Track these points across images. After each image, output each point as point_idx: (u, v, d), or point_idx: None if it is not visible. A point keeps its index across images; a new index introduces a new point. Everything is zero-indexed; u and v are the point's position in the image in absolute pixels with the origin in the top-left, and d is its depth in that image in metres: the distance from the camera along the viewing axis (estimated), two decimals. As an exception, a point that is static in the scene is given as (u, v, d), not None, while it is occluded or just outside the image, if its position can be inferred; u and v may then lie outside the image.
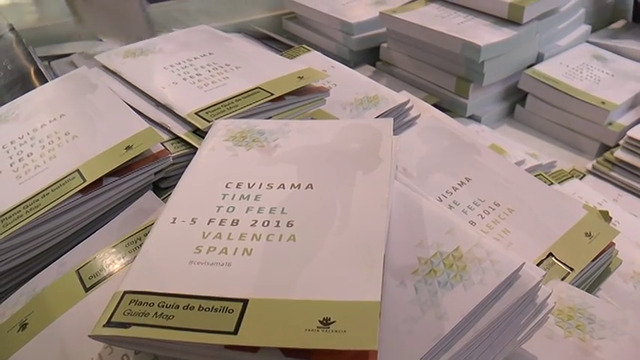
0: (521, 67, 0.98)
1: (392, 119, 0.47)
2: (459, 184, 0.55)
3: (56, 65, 0.84)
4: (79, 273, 0.44)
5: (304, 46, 0.79)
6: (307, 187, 0.42)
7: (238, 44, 0.68)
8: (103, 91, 0.58)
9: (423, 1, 1.04)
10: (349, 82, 0.69)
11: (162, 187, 0.52)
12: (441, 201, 0.53)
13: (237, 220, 0.40)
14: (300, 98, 0.56)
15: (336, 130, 0.48)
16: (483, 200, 0.54)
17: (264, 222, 0.39)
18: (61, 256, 0.46)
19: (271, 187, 0.43)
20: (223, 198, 0.42)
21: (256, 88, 0.56)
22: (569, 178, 0.79)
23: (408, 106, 0.64)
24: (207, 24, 1.14)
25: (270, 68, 0.60)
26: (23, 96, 0.61)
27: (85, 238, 0.47)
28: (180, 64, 0.63)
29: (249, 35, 1.15)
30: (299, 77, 0.58)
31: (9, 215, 0.46)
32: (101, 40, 1.04)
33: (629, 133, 0.85)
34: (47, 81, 0.68)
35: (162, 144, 0.51)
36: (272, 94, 0.55)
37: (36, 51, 0.89)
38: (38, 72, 0.71)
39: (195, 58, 0.64)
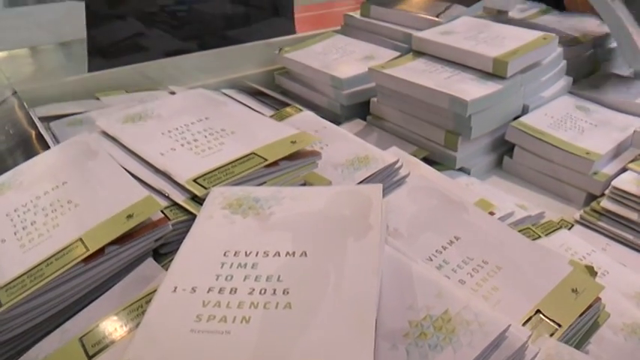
0: (508, 119, 1.01)
1: (381, 185, 0.49)
2: (448, 243, 0.57)
3: (55, 127, 0.86)
4: (81, 341, 0.45)
5: (297, 105, 0.82)
6: (301, 254, 0.44)
7: (233, 108, 0.71)
8: (103, 158, 0.60)
9: (410, 56, 1.08)
10: (340, 143, 0.72)
11: (162, 252, 0.54)
12: (431, 260, 0.55)
13: (236, 289, 0.41)
14: (293, 163, 0.59)
15: (327, 197, 0.50)
16: (472, 258, 0.56)
17: (261, 290, 0.41)
18: (62, 323, 0.48)
19: (267, 255, 0.44)
20: (222, 266, 0.44)
21: (251, 153, 0.59)
22: (558, 228, 0.81)
23: (397, 166, 0.67)
24: (202, 80, 1.19)
25: (264, 133, 0.62)
26: (26, 163, 0.63)
27: (87, 305, 0.49)
28: (177, 129, 0.65)
29: (242, 91, 1.18)
30: (292, 142, 0.60)
31: (13, 285, 0.47)
32: (98, 99, 1.07)
33: (614, 183, 0.87)
34: (48, 146, 0.71)
35: (161, 211, 0.53)
36: (266, 160, 0.57)
37: (36, 111, 0.91)
38: (39, 136, 0.73)
39: (192, 123, 0.66)
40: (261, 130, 0.63)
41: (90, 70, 1.38)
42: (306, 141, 0.60)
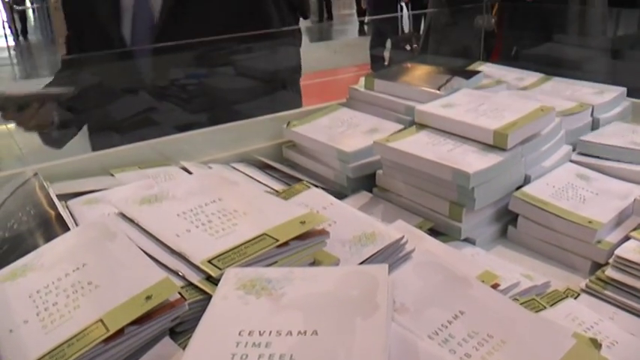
0: (510, 190, 1.04)
1: (386, 265, 0.52)
2: (453, 318, 0.59)
3: (72, 205, 0.89)
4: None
5: (305, 182, 0.85)
6: (312, 333, 0.46)
7: (245, 188, 0.74)
8: (121, 239, 0.63)
9: (414, 129, 1.11)
10: (347, 220, 0.75)
11: (178, 331, 0.56)
12: (437, 334, 0.57)
13: (251, 368, 0.43)
14: (303, 242, 0.62)
15: (336, 278, 0.52)
16: (477, 332, 0.57)
17: (275, 369, 0.43)
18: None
19: (280, 334, 0.47)
20: (237, 346, 0.46)
21: (263, 234, 0.61)
22: (564, 298, 0.82)
23: (403, 242, 0.69)
24: (212, 154, 1.23)
25: (275, 213, 0.65)
26: (47, 244, 0.66)
27: (105, 385, 0.51)
28: (192, 210, 0.68)
29: (251, 164, 1.22)
30: (301, 222, 0.63)
31: (37, 366, 0.49)
32: (113, 176, 1.11)
33: (617, 252, 0.89)
34: (67, 226, 0.74)
35: (178, 292, 0.55)
36: (277, 240, 0.60)
37: (53, 189, 0.95)
38: (59, 217, 0.76)
39: (206, 205, 0.69)
40: (272, 211, 0.66)
41: (96, 144, 1.44)
42: (315, 221, 0.63)
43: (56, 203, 0.80)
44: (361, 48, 5.47)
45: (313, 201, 0.74)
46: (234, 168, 1.18)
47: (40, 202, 0.80)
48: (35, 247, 0.68)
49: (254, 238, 0.61)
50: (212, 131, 1.29)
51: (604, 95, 1.29)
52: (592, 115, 1.25)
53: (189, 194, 0.72)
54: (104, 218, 0.68)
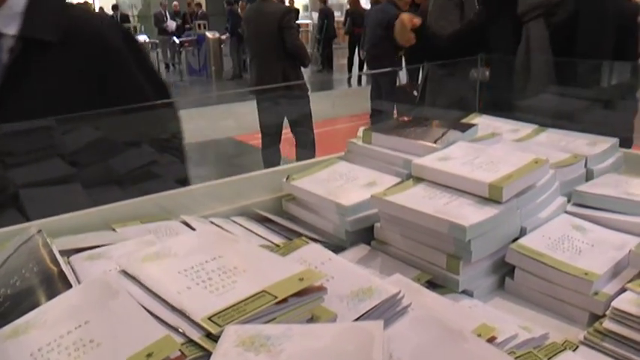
0: (507, 242, 1.05)
1: (382, 322, 0.53)
2: (450, 373, 0.59)
3: (75, 261, 0.90)
4: None
5: (304, 238, 0.87)
6: (310, 389, 0.47)
7: (244, 245, 0.75)
8: (123, 297, 0.64)
9: (411, 182, 1.13)
10: (345, 275, 0.76)
11: (178, 388, 0.57)
12: (436, 390, 0.58)
13: None
14: (301, 299, 0.63)
15: (333, 334, 0.53)
16: (474, 388, 0.58)
17: None
18: None
19: (278, 392, 0.47)
20: (236, 404, 0.47)
21: (262, 291, 0.63)
22: (563, 350, 0.82)
23: (399, 297, 0.70)
24: (213, 209, 1.25)
25: (274, 270, 0.67)
26: (50, 302, 0.67)
27: None
28: (193, 267, 0.70)
29: (251, 218, 1.23)
30: (300, 279, 0.64)
31: None
32: (115, 230, 1.12)
33: (614, 304, 0.89)
34: (69, 283, 0.75)
35: (178, 349, 0.56)
36: (276, 297, 0.61)
37: (55, 244, 0.96)
38: (61, 274, 0.77)
39: (206, 262, 0.71)
40: (271, 268, 0.68)
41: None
42: (313, 278, 0.65)
43: (59, 260, 0.81)
44: (360, 98, 5.55)
45: (312, 256, 0.76)
46: (235, 222, 1.20)
47: (43, 259, 0.82)
48: (38, 304, 0.69)
49: (253, 295, 0.62)
50: (212, 186, 1.31)
51: (597, 146, 1.32)
52: (586, 166, 1.27)
53: (190, 252, 0.74)
54: (106, 275, 0.70)
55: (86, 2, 13.97)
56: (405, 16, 1.96)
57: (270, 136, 4.83)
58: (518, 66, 1.89)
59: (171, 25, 13.84)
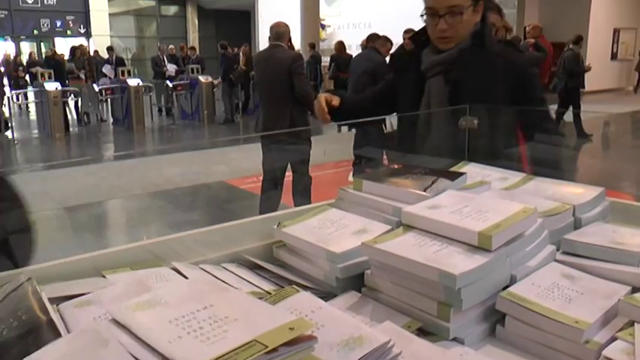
0: (497, 289, 1.05)
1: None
2: None
3: (64, 309, 0.90)
4: None
5: (294, 286, 0.87)
6: None
7: (235, 294, 0.76)
8: (114, 346, 0.64)
9: (401, 230, 1.14)
10: (335, 323, 0.76)
11: None
12: None
13: None
14: (291, 348, 0.63)
15: (325, 385, 0.53)
16: None
17: None
18: None
19: None
20: None
21: (253, 341, 0.63)
22: (553, 399, 0.82)
23: (389, 345, 0.70)
24: (204, 255, 1.25)
25: (265, 319, 0.67)
26: (38, 351, 0.67)
27: None
28: (184, 317, 0.70)
29: (242, 264, 1.24)
30: (290, 328, 0.64)
31: None
32: (105, 277, 1.12)
33: (605, 353, 0.90)
34: (58, 331, 0.75)
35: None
36: (267, 347, 0.61)
37: (45, 291, 0.95)
38: (50, 322, 0.77)
39: (197, 311, 0.71)
40: (261, 317, 0.68)
41: None
42: (304, 327, 0.65)
43: (48, 308, 0.81)
44: (350, 143, 5.61)
45: (302, 305, 0.76)
46: (225, 268, 1.20)
47: (32, 308, 0.81)
48: (26, 353, 0.69)
49: (244, 345, 0.62)
50: (203, 232, 1.31)
51: (584, 195, 1.34)
52: (574, 214, 1.28)
53: (181, 300, 0.74)
54: (97, 324, 0.69)
55: (81, 45, 14.16)
56: (322, 97, 2.11)
57: (272, 180, 4.87)
58: (422, 118, 2.11)
59: (171, 68, 13.97)
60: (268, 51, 5.13)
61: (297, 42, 14.24)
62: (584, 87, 10.37)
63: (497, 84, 2.00)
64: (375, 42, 7.54)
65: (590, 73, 10.41)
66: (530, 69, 2.34)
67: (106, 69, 13.32)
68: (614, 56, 19.21)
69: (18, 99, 13.22)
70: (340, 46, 12.26)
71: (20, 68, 16.36)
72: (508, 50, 2.30)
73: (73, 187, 5.84)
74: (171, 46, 15.34)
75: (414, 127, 2.14)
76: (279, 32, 5.03)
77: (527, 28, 9.39)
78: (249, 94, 13.85)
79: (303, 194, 4.64)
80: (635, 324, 0.97)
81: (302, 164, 4.83)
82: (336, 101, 2.10)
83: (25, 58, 17.76)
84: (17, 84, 15.71)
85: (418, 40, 2.12)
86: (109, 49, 14.46)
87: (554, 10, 17.73)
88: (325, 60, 14.16)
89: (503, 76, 2.02)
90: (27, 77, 14.74)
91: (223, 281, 1.09)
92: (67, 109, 12.09)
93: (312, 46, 14.42)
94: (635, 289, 1.06)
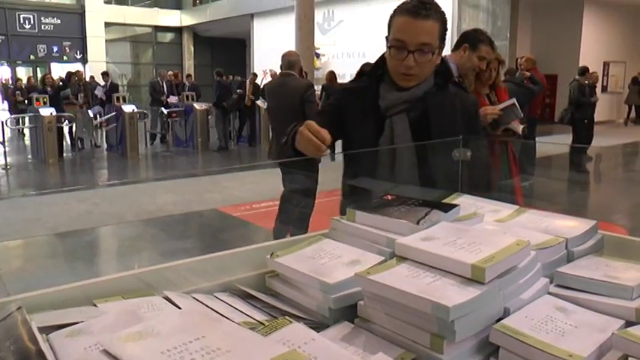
0: (490, 322, 1.05)
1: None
2: None
3: (54, 339, 0.89)
4: None
5: (287, 318, 0.87)
6: None
7: (227, 326, 0.75)
8: (103, 378, 0.63)
9: (394, 261, 1.14)
10: (328, 356, 0.76)
11: None
12: None
13: None
14: (285, 381, 0.62)
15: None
16: None
17: None
18: None
19: None
20: None
21: (245, 375, 0.62)
22: None
23: (383, 379, 0.70)
24: (196, 284, 1.25)
25: (257, 352, 0.66)
26: (27, 382, 0.66)
27: None
28: (176, 348, 0.69)
29: (234, 294, 1.23)
30: (284, 361, 0.64)
31: None
32: (96, 306, 1.11)
33: (598, 388, 0.90)
34: (48, 362, 0.74)
35: None
36: (260, 379, 0.61)
37: (35, 319, 0.94)
38: (40, 353, 0.76)
39: (189, 342, 0.70)
40: (254, 349, 0.67)
41: None
42: (297, 360, 0.64)
43: (38, 338, 0.80)
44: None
45: (295, 336, 0.75)
46: (217, 298, 1.19)
47: (22, 338, 0.80)
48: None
49: (236, 378, 0.61)
50: (196, 261, 1.30)
51: (577, 228, 1.34)
52: (567, 247, 1.28)
53: (173, 331, 0.73)
54: (87, 355, 0.69)
55: (78, 71, 14.21)
56: (307, 131, 1.86)
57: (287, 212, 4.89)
58: (383, 156, 2.09)
59: (173, 99, 13.97)
60: (280, 79, 5.27)
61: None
62: (592, 118, 10.42)
63: (457, 125, 2.02)
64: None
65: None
66: (476, 111, 2.40)
67: (99, 91, 13.41)
68: (604, 89, 19.48)
69: (14, 123, 13.23)
70: (331, 75, 12.34)
71: (18, 92, 16.37)
72: (460, 91, 2.30)
73: (65, 213, 5.82)
74: (170, 72, 15.40)
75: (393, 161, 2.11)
76: (291, 61, 5.17)
77: (519, 60, 9.48)
78: (244, 121, 13.92)
79: (303, 224, 4.63)
80: (629, 358, 0.96)
81: (309, 194, 4.83)
82: (324, 132, 1.87)
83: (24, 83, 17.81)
84: (16, 108, 15.72)
85: (375, 73, 2.09)
86: (104, 74, 14.54)
87: (545, 43, 18.03)
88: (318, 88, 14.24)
89: (460, 116, 2.07)
90: (26, 102, 14.71)
91: (215, 311, 1.09)
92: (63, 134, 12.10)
93: (305, 74, 14.52)
94: (628, 323, 1.06)
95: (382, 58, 2.06)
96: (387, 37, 1.99)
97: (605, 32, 18.81)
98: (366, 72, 2.15)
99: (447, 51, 2.43)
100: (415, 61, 1.90)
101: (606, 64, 19.29)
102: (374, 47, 17.58)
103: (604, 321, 1.07)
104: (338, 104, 2.22)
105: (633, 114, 18.83)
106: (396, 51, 1.94)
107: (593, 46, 18.33)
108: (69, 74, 13.57)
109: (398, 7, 1.96)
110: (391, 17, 1.97)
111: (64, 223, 5.61)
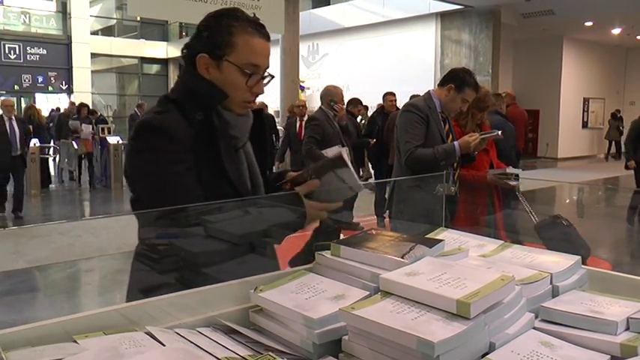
0: (476, 357, 1.04)
1: None
2: None
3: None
4: None
5: (270, 354, 0.86)
6: None
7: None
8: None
9: (379, 296, 1.14)
10: (314, 394, 0.74)
11: None
12: None
13: None
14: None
15: None
16: None
17: None
18: None
19: None
20: None
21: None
22: None
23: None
24: (179, 319, 1.23)
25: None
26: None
27: None
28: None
29: (217, 329, 1.21)
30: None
31: None
32: (76, 342, 1.09)
33: None
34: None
35: None
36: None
37: (12, 357, 0.92)
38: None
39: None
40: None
41: None
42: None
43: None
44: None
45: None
46: (201, 333, 1.17)
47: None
48: None
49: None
50: (179, 296, 1.29)
51: (561, 263, 1.35)
52: (551, 282, 1.29)
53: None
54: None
55: (74, 103, 14.04)
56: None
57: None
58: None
59: None
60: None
61: (276, 103, 14.46)
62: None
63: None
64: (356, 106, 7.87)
65: (563, 141, 10.55)
66: None
67: (86, 128, 13.22)
68: (584, 125, 19.81)
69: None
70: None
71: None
72: None
73: (46, 245, 5.73)
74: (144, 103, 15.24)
75: None
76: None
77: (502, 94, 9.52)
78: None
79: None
80: (615, 394, 0.96)
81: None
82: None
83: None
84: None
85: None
86: (90, 110, 14.24)
87: (527, 78, 18.34)
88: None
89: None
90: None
91: (199, 346, 1.07)
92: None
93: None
94: (614, 358, 1.06)
95: None
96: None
97: (585, 69, 19.22)
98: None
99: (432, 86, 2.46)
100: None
101: (586, 100, 19.66)
102: (357, 80, 17.78)
103: (589, 356, 1.07)
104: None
105: (613, 149, 19.09)
106: (245, 77, 1.70)
107: (574, 82, 18.71)
108: (80, 106, 13.35)
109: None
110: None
111: (45, 256, 5.53)
